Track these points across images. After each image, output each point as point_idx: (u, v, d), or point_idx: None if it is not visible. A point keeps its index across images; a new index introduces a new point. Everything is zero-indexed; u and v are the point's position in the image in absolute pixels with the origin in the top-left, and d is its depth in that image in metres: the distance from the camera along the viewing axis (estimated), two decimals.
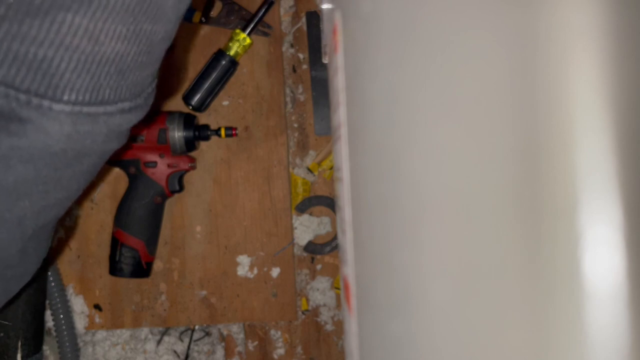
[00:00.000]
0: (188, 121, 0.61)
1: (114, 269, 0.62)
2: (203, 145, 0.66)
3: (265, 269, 0.65)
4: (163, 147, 0.61)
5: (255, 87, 0.66)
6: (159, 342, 0.67)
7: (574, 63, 0.21)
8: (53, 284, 0.63)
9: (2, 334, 0.60)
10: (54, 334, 0.64)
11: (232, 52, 0.62)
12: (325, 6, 0.45)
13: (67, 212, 0.65)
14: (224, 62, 0.62)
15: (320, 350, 0.66)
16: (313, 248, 0.66)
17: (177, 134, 0.60)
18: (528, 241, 0.21)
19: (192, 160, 0.63)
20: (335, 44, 0.38)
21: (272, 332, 0.67)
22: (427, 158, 0.25)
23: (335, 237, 0.66)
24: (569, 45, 0.21)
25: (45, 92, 0.33)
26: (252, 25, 0.63)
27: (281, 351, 0.66)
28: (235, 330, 0.67)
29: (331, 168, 0.66)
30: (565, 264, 0.20)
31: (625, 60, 0.21)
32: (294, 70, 0.67)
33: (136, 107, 0.39)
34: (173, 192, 0.63)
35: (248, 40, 0.63)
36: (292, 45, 0.67)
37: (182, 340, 0.67)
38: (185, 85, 0.65)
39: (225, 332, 0.67)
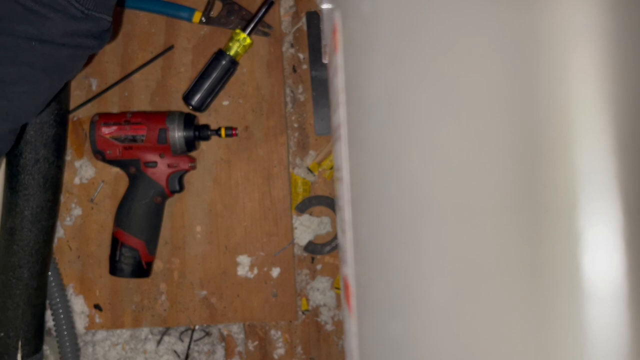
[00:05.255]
0: (188, 121, 0.61)
1: (114, 269, 0.62)
2: (203, 145, 0.66)
3: (266, 269, 0.65)
4: (163, 147, 0.61)
5: (255, 87, 0.66)
6: (159, 342, 0.67)
7: (573, 63, 0.21)
8: (53, 284, 0.63)
9: (2, 334, 0.60)
10: (54, 334, 0.64)
11: (232, 52, 0.62)
12: (325, 6, 0.45)
13: (67, 212, 0.65)
14: (224, 62, 0.62)
15: (320, 350, 0.66)
16: (313, 248, 0.66)
17: (177, 134, 0.60)
18: (528, 241, 0.21)
19: (192, 160, 0.63)
20: (335, 44, 0.38)
21: (272, 332, 0.67)
22: (427, 158, 0.25)
23: (335, 237, 0.66)
24: (569, 45, 0.21)
25: None
26: (252, 25, 0.63)
27: (281, 351, 0.66)
28: (236, 330, 0.67)
29: (331, 168, 0.66)
30: (565, 264, 0.20)
31: (625, 60, 0.21)
32: (294, 70, 0.67)
33: (110, 26, 0.52)
34: (173, 192, 0.63)
35: (248, 40, 0.63)
36: (292, 45, 0.67)
37: (182, 340, 0.67)
38: (185, 85, 0.65)
39: (225, 332, 0.67)
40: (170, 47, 0.66)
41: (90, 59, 0.65)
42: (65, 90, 0.63)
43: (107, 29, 0.53)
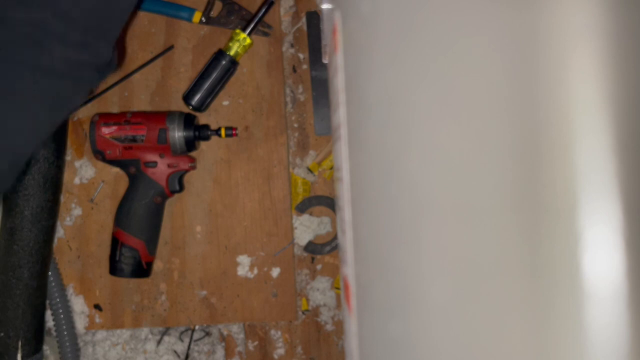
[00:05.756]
0: (188, 121, 0.61)
1: (114, 269, 0.62)
2: (203, 145, 0.66)
3: (266, 269, 0.65)
4: (163, 147, 0.61)
5: (256, 87, 0.66)
6: (159, 342, 0.67)
7: (573, 63, 0.21)
8: (53, 284, 0.63)
9: (2, 334, 0.60)
10: (54, 334, 0.64)
11: (232, 52, 0.62)
12: (325, 6, 0.45)
13: (67, 212, 0.65)
14: (224, 62, 0.62)
15: (320, 350, 0.66)
16: (313, 248, 0.66)
17: (177, 134, 0.60)
18: (528, 241, 0.21)
19: (192, 160, 0.63)
20: (335, 44, 0.38)
21: (272, 332, 0.67)
22: (427, 158, 0.25)
23: (335, 237, 0.66)
24: (569, 45, 0.21)
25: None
26: (252, 25, 0.63)
27: (281, 351, 0.66)
28: (236, 330, 0.67)
29: (331, 168, 0.66)
30: (565, 264, 0.20)
31: (625, 60, 0.21)
32: (294, 70, 0.67)
33: (112, 58, 0.52)
34: (173, 192, 0.63)
35: (248, 40, 0.63)
36: (292, 45, 0.67)
37: (182, 340, 0.67)
38: (185, 85, 0.65)
39: (225, 332, 0.67)
40: (170, 47, 0.66)
41: (91, 93, 0.65)
42: None
43: (108, 61, 0.51)
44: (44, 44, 0.45)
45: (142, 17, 0.66)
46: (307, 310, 0.66)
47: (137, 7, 0.63)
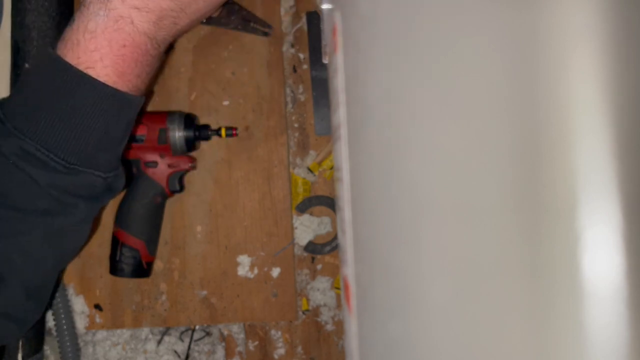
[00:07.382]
0: (188, 121, 0.61)
1: (115, 269, 0.62)
2: (203, 145, 0.66)
3: (266, 269, 0.65)
4: (163, 147, 0.61)
5: (256, 87, 0.66)
6: (159, 342, 0.67)
7: (573, 63, 0.21)
8: None
9: None
10: (55, 334, 0.64)
11: None
12: (325, 6, 0.45)
13: None
14: None
15: (320, 350, 0.66)
16: (313, 248, 0.66)
17: (177, 134, 0.60)
18: (528, 241, 0.21)
19: (193, 160, 0.63)
20: (335, 44, 0.38)
21: (273, 332, 0.67)
22: (427, 158, 0.25)
23: (335, 237, 0.66)
24: (569, 45, 0.21)
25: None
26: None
27: (281, 351, 0.66)
28: (236, 330, 0.67)
29: (331, 168, 0.66)
30: (565, 264, 0.20)
31: (625, 60, 0.21)
32: (294, 70, 0.67)
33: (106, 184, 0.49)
34: (173, 192, 0.63)
35: None
36: (292, 45, 0.67)
37: (182, 340, 0.67)
38: (186, 84, 0.65)
39: (225, 332, 0.67)
40: (171, 47, 0.66)
41: (92, 231, 0.64)
42: None
43: (105, 187, 0.49)
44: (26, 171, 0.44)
45: None
46: (307, 310, 0.66)
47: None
